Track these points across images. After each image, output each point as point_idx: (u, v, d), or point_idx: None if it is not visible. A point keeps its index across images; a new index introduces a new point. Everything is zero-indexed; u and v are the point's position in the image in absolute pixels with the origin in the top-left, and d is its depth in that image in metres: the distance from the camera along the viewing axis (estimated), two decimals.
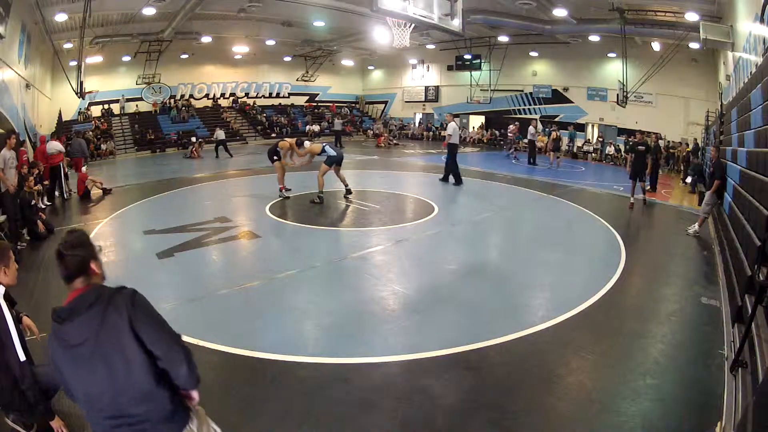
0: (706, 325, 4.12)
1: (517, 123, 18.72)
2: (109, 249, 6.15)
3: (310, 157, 9.32)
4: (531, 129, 15.92)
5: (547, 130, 18.77)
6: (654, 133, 13.73)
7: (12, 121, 10.05)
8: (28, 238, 6.55)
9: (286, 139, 10.04)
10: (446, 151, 11.36)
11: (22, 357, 2.16)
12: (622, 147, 17.26)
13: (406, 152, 19.23)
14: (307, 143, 9.33)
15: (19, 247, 6.07)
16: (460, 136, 15.38)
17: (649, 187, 9.75)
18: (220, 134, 17.80)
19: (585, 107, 19.42)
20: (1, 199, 6.78)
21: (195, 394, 1.72)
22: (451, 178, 11.16)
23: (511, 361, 3.47)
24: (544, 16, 14.89)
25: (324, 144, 9.01)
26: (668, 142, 15.96)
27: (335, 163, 8.73)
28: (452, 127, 11.41)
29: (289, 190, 9.32)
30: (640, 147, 9.26)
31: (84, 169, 10.08)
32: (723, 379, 3.14)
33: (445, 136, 11.82)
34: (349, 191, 8.97)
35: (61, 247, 1.56)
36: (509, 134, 18.32)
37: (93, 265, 1.58)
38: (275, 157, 9.32)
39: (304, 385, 3.12)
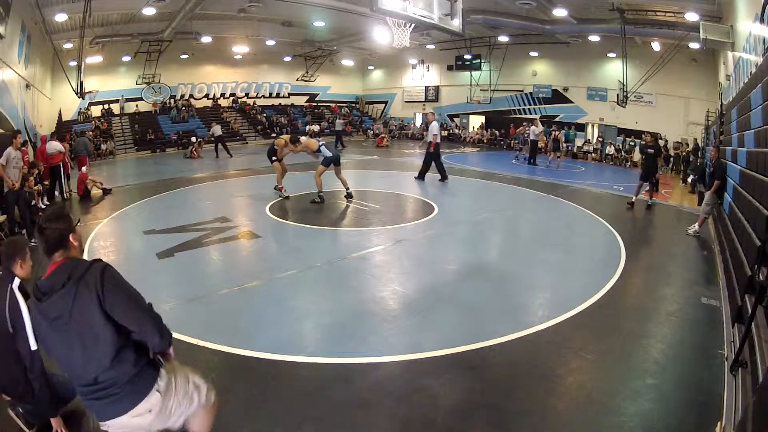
0: (706, 325, 4.12)
1: (525, 123, 18.63)
2: (109, 249, 6.16)
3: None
4: (533, 128, 15.87)
5: (548, 129, 18.72)
6: (654, 133, 13.71)
7: (12, 121, 10.08)
8: (28, 239, 6.55)
9: (282, 137, 10.03)
10: (444, 150, 11.40)
11: (34, 346, 2.23)
12: (621, 147, 17.27)
13: (406, 152, 19.23)
14: (303, 139, 9.28)
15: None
16: (441, 135, 15.62)
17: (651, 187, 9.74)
18: (216, 130, 16.91)
19: (585, 107, 19.41)
20: (2, 199, 6.79)
21: (170, 350, 1.82)
22: (422, 173, 11.54)
23: (511, 361, 3.47)
24: (544, 16, 14.90)
25: (320, 143, 8.92)
26: (666, 141, 15.93)
27: (332, 163, 8.70)
28: (436, 126, 11.45)
29: (285, 191, 9.26)
30: (649, 150, 9.25)
31: (84, 169, 10.08)
32: (723, 379, 3.14)
33: (429, 136, 11.58)
34: (350, 195, 8.86)
35: (42, 221, 1.63)
36: (522, 135, 18.18)
37: (71, 238, 1.66)
38: (273, 157, 9.31)
39: (304, 385, 3.13)
